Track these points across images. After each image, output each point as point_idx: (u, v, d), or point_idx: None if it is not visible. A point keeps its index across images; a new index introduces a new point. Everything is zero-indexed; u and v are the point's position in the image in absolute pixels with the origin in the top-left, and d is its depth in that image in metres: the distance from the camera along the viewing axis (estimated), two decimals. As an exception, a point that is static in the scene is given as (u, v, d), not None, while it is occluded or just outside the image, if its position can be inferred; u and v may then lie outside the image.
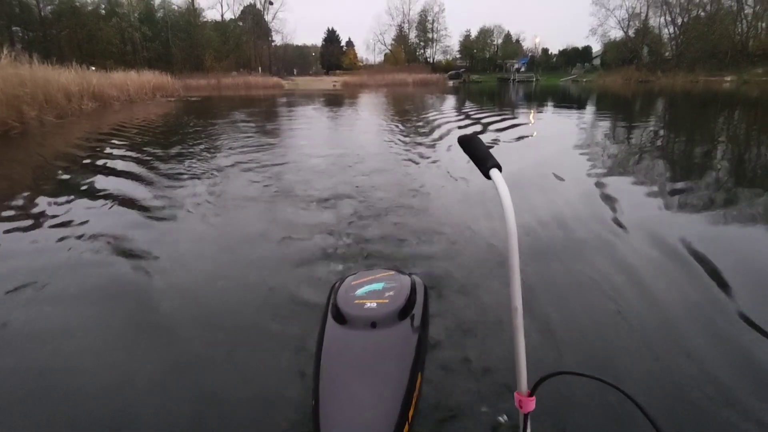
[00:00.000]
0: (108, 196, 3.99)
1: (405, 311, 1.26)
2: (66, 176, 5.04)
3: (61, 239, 2.95)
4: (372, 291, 1.35)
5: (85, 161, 5.83)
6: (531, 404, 0.75)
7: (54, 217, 3.45)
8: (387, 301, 1.29)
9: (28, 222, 3.35)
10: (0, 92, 7.81)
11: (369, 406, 1.00)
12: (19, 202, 3.95)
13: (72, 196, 4.01)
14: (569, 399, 1.39)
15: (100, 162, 5.74)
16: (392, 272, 1.49)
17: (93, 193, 4.15)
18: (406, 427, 0.99)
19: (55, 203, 3.84)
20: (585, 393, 1.41)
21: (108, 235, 2.95)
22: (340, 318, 1.26)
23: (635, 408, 0.65)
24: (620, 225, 3.00)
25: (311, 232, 2.98)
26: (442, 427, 1.33)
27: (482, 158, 0.77)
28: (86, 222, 3.28)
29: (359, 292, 1.35)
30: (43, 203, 3.83)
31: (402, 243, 2.78)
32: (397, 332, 1.21)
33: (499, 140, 7.08)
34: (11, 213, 3.63)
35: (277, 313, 1.98)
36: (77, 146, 7.05)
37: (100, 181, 4.61)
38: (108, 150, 6.64)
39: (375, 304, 1.28)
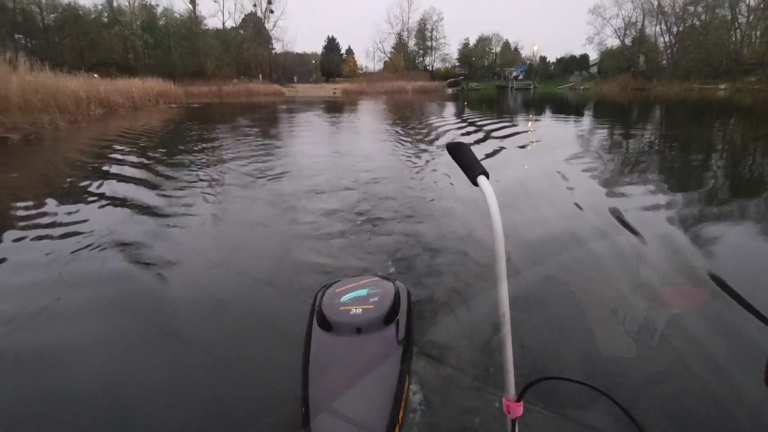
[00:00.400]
0: (124, 196, 4.19)
1: (390, 316, 1.28)
2: (81, 178, 5.19)
3: (71, 235, 3.13)
4: (357, 297, 1.37)
5: (98, 164, 6.02)
6: (519, 409, 0.75)
7: (69, 214, 3.65)
8: (372, 306, 1.31)
9: (45, 219, 3.53)
10: (18, 99, 8.01)
11: (358, 411, 1.02)
12: (32, 201, 4.11)
13: (88, 197, 4.22)
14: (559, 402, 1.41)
15: (113, 165, 5.92)
16: (376, 278, 1.50)
17: (109, 194, 4.33)
18: (396, 429, 1.02)
19: (71, 202, 4.04)
20: (574, 395, 1.42)
21: (116, 233, 3.12)
22: (326, 325, 1.28)
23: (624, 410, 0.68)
24: (621, 221, 3.20)
25: (316, 224, 3.23)
26: (434, 427, 1.35)
27: (470, 165, 0.75)
28: (98, 220, 3.46)
29: (344, 298, 1.37)
30: (59, 203, 4.02)
31: (401, 229, 3.03)
32: (382, 337, 1.24)
33: (502, 147, 7.31)
34: (28, 212, 3.81)
35: (281, 308, 2.07)
36: (91, 152, 7.24)
37: (115, 183, 4.80)
38: (119, 155, 6.83)
39: (360, 310, 1.29)
